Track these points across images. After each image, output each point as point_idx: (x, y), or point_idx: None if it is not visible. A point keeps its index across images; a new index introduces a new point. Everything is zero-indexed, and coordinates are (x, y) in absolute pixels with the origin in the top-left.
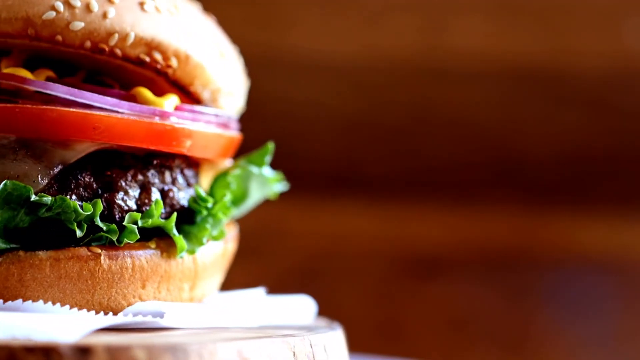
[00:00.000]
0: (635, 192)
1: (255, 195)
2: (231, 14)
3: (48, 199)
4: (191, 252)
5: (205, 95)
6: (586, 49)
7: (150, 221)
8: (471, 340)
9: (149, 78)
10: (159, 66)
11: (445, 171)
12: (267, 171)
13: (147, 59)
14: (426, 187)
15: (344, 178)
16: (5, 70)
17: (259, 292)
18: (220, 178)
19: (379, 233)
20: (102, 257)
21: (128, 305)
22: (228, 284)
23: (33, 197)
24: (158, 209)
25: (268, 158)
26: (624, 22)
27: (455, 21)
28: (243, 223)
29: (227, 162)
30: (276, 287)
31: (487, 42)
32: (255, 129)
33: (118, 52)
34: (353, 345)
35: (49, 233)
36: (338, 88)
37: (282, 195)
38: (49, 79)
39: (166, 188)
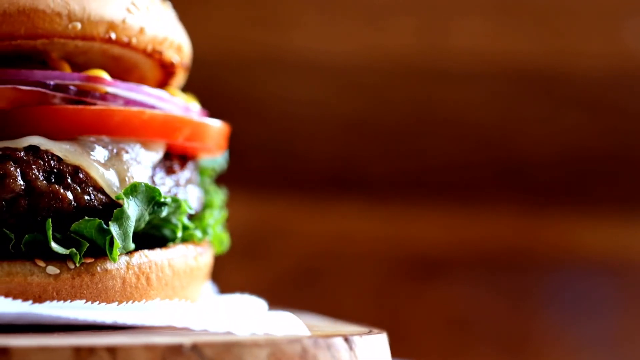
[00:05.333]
0: (637, 193)
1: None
2: (232, 15)
3: (169, 199)
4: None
5: None
6: (586, 50)
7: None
8: (471, 342)
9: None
10: (181, 68)
11: (445, 171)
12: (205, 160)
13: (177, 62)
14: (426, 187)
15: (344, 178)
16: (89, 73)
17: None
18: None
19: (379, 233)
20: (196, 255)
21: (196, 300)
22: (228, 284)
23: (162, 199)
24: (215, 206)
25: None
26: (624, 23)
27: (455, 22)
28: (243, 223)
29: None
30: (276, 287)
31: (487, 43)
32: (255, 129)
33: (164, 54)
34: None
35: (154, 233)
36: (338, 88)
37: (282, 195)
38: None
39: (196, 185)
